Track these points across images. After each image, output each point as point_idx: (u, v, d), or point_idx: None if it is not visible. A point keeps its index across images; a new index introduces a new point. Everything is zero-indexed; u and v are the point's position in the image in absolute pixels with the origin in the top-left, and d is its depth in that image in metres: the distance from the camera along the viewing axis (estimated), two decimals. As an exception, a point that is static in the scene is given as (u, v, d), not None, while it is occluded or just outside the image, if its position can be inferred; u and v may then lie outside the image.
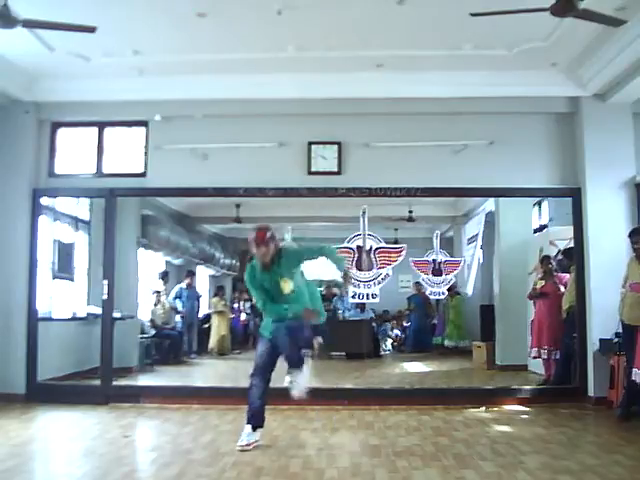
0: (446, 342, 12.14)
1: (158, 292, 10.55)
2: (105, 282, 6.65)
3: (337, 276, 4.83)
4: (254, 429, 4.60)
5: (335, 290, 11.88)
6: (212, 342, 11.82)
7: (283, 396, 6.26)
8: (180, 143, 6.73)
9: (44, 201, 7.09)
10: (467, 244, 11.69)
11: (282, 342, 4.58)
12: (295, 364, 4.61)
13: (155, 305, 10.41)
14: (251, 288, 4.74)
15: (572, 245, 6.82)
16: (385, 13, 5.14)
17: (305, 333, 4.72)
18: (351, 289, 4.66)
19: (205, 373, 9.92)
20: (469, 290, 10.63)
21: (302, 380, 4.62)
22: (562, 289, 7.24)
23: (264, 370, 4.66)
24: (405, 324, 14.03)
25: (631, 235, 5.53)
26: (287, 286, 4.60)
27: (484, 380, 8.26)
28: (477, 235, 10.61)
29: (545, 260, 7.61)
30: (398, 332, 13.96)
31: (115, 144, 6.93)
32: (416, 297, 12.89)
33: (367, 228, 8.95)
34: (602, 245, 6.18)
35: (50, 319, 7.66)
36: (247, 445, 4.50)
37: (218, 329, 11.88)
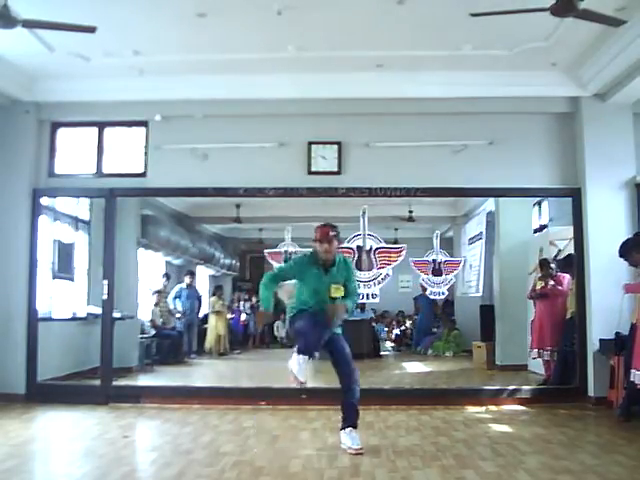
0: (429, 351, 12.23)
1: (159, 292, 10.55)
2: (105, 282, 6.65)
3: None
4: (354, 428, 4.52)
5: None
6: (208, 342, 11.80)
7: (283, 396, 6.29)
8: (180, 143, 6.73)
9: (44, 201, 7.09)
10: (468, 244, 11.68)
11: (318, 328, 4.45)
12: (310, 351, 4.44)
13: (155, 305, 10.41)
14: (293, 271, 4.63)
15: (568, 252, 6.82)
16: (385, 13, 5.14)
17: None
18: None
19: (205, 373, 9.92)
20: (480, 290, 10.61)
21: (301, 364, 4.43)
22: (560, 288, 7.23)
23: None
24: (406, 325, 14.07)
25: (621, 256, 5.55)
26: (338, 291, 4.52)
27: (484, 380, 8.27)
28: (480, 234, 10.60)
29: (544, 263, 7.58)
30: (398, 332, 13.98)
31: (115, 144, 6.93)
32: (423, 297, 12.89)
33: (367, 228, 8.94)
34: (602, 245, 6.17)
35: (50, 319, 7.66)
36: (360, 448, 4.40)
37: (215, 329, 11.87)
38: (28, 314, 6.57)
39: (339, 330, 4.68)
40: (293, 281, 4.79)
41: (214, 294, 12.43)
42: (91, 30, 4.54)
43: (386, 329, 14.17)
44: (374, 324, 12.68)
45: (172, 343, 10.35)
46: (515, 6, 4.37)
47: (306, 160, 6.71)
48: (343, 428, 4.55)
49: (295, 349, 4.42)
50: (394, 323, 14.47)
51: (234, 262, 15.49)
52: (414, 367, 10.19)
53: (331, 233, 4.56)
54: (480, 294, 10.64)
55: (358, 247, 8.92)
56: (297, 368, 4.31)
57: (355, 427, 4.53)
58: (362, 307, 11.86)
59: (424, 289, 12.48)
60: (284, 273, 4.75)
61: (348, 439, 4.46)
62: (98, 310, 7.13)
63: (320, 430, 5.23)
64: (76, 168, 6.92)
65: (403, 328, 14.32)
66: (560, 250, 8.33)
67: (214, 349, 11.72)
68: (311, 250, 4.72)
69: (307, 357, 4.36)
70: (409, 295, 13.86)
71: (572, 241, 6.83)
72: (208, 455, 4.37)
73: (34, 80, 6.48)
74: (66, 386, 6.93)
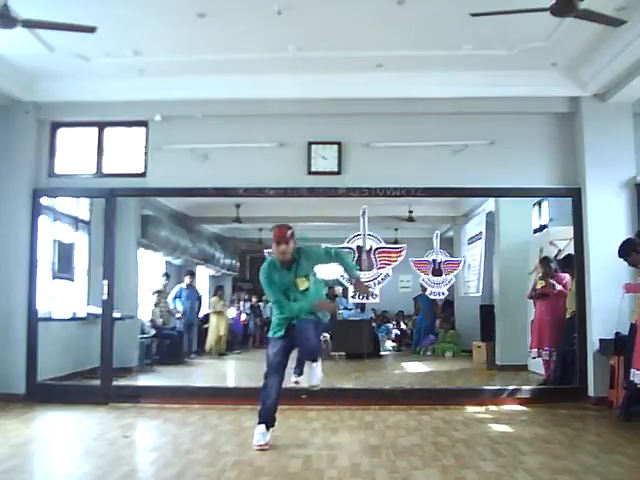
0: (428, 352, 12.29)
1: (159, 292, 10.55)
2: (105, 282, 6.65)
3: (349, 282, 4.87)
4: (267, 428, 4.61)
5: (337, 290, 11.91)
6: (209, 342, 11.80)
7: (283, 396, 6.27)
8: (180, 143, 6.73)
9: (44, 201, 7.09)
10: (468, 244, 11.69)
11: (302, 335, 4.60)
12: (312, 355, 4.70)
13: (155, 305, 10.41)
14: (267, 285, 4.72)
15: (568, 252, 6.81)
16: (385, 13, 5.14)
17: (318, 327, 4.80)
18: (365, 293, 4.74)
19: (205, 373, 9.92)
20: (479, 289, 10.63)
21: (318, 369, 4.73)
22: (559, 287, 7.23)
23: (279, 368, 4.67)
24: (406, 325, 14.08)
25: (621, 256, 5.56)
26: (303, 284, 4.66)
27: (484, 380, 8.26)
28: (480, 234, 10.61)
29: (544, 261, 7.59)
30: (398, 332, 13.98)
31: (115, 144, 6.93)
32: (422, 297, 12.90)
33: (367, 228, 8.95)
34: (602, 245, 6.16)
35: (50, 319, 7.65)
36: (265, 444, 4.49)
37: (216, 329, 11.86)
38: (28, 314, 6.56)
39: (307, 314, 4.73)
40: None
41: (215, 294, 12.43)
42: (91, 30, 4.54)
43: (391, 325, 14.17)
44: (374, 324, 12.68)
45: (172, 343, 10.35)
46: (515, 6, 4.37)
47: (306, 160, 6.71)
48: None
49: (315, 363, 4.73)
50: (394, 323, 14.47)
51: (234, 262, 15.48)
52: (414, 367, 10.19)
53: (288, 233, 4.58)
54: (480, 294, 10.65)
55: (358, 247, 8.93)
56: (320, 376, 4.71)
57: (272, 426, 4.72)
58: (362, 307, 11.85)
59: (424, 289, 12.51)
60: (273, 292, 4.71)
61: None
62: (98, 310, 7.13)
63: (320, 430, 5.23)
64: (76, 168, 6.92)
65: (403, 327, 14.32)
66: (560, 250, 8.33)
67: (214, 349, 11.72)
68: (269, 256, 4.80)
69: (314, 363, 4.61)
70: (409, 295, 13.87)
71: (572, 241, 6.83)
72: (208, 455, 4.37)
73: (34, 80, 6.48)
74: (66, 386, 6.93)
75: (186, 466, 4.07)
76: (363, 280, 4.68)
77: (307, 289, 4.69)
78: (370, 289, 4.58)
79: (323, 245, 5.17)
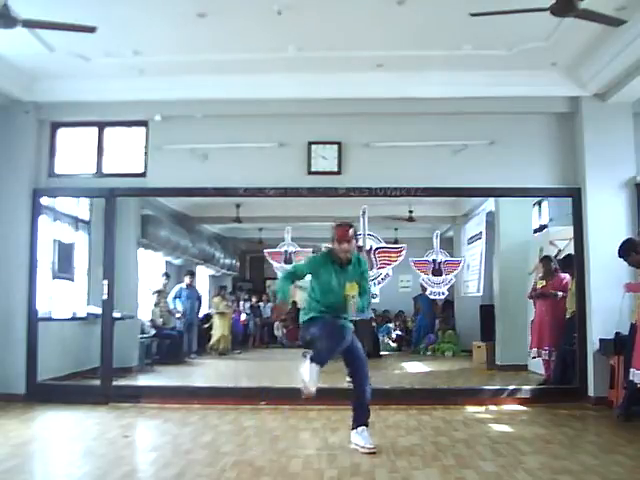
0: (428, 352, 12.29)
1: (159, 292, 10.55)
2: (105, 282, 6.65)
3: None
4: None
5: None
6: (213, 341, 11.79)
7: (283, 396, 6.29)
8: (180, 143, 6.73)
9: (44, 201, 7.09)
10: (467, 244, 11.68)
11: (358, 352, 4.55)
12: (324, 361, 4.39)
13: (155, 305, 10.41)
14: (309, 269, 4.62)
15: (568, 252, 6.81)
16: (385, 13, 5.14)
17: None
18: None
19: (205, 373, 9.93)
20: (480, 289, 10.63)
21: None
22: (560, 294, 7.23)
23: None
24: (400, 330, 14.07)
25: (620, 256, 5.56)
26: (354, 289, 4.52)
27: (484, 380, 8.27)
28: (480, 234, 10.60)
29: (545, 260, 7.60)
30: (399, 332, 13.97)
31: (115, 144, 6.93)
32: (422, 297, 12.89)
33: (367, 228, 8.94)
34: (602, 245, 6.16)
35: (50, 319, 7.65)
36: (373, 447, 4.39)
37: (220, 329, 11.87)
38: (28, 314, 6.56)
39: (350, 324, 4.68)
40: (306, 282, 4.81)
41: (217, 294, 12.41)
42: (91, 30, 4.54)
43: (391, 325, 14.16)
44: (374, 324, 12.66)
45: (172, 343, 10.36)
46: (515, 6, 4.37)
47: (306, 160, 6.71)
48: (354, 427, 4.55)
49: (308, 356, 4.37)
50: (396, 324, 14.45)
51: (234, 262, 15.49)
52: (414, 367, 10.19)
53: (350, 232, 4.55)
54: (480, 294, 10.64)
55: (358, 247, 8.89)
56: (308, 377, 4.26)
57: (367, 426, 4.54)
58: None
59: (424, 289, 12.48)
60: (300, 270, 4.72)
61: (360, 439, 4.46)
62: (98, 310, 7.13)
63: (320, 430, 5.23)
64: (76, 168, 6.92)
65: (402, 327, 14.30)
66: (560, 250, 8.33)
67: (219, 347, 11.70)
68: (327, 249, 4.71)
69: (319, 367, 4.31)
70: (409, 295, 13.85)
71: (572, 241, 6.83)
72: (208, 455, 4.37)
73: (34, 80, 6.48)
74: (66, 386, 6.93)
75: (186, 466, 4.07)
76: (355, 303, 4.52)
77: (354, 296, 4.53)
78: (279, 317, 4.46)
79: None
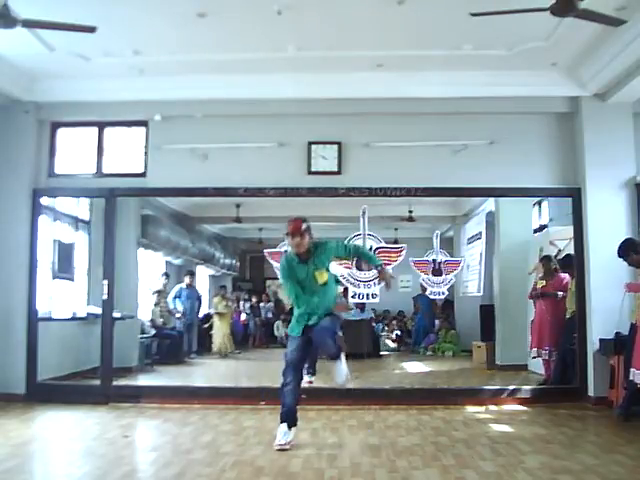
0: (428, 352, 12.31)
1: (159, 292, 10.55)
2: (105, 282, 6.65)
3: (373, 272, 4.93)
4: (289, 428, 4.61)
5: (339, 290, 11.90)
6: (216, 343, 11.76)
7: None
8: (180, 143, 6.73)
9: (44, 201, 7.08)
10: (467, 244, 11.68)
11: (321, 337, 4.66)
12: (335, 355, 4.71)
13: (155, 305, 10.40)
14: (285, 279, 4.78)
15: (568, 252, 6.81)
16: (385, 13, 5.14)
17: (336, 323, 4.86)
18: (388, 284, 4.83)
19: (205, 373, 9.93)
20: (480, 289, 10.63)
21: (344, 367, 4.75)
22: (561, 294, 7.23)
23: (297, 366, 4.70)
24: (400, 330, 14.07)
25: (620, 256, 5.56)
26: (322, 277, 4.69)
27: (484, 380, 8.26)
28: (480, 234, 10.60)
29: (545, 260, 7.60)
30: (399, 332, 13.97)
31: (115, 144, 6.93)
32: (422, 297, 12.89)
33: (367, 228, 8.94)
34: (602, 245, 6.16)
35: (50, 319, 7.66)
36: (285, 444, 4.49)
37: (221, 330, 11.85)
38: (28, 314, 6.56)
39: (323, 314, 4.77)
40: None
41: (217, 294, 12.40)
42: (91, 30, 4.54)
43: (386, 328, 14.17)
44: (374, 324, 12.66)
45: (172, 343, 10.36)
46: (515, 6, 4.37)
47: (306, 160, 6.71)
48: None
49: (342, 355, 4.75)
50: (394, 323, 14.45)
51: (234, 262, 15.48)
52: (414, 367, 10.19)
53: (303, 227, 4.63)
54: (481, 293, 10.65)
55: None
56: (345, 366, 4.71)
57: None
58: (362, 307, 11.84)
59: (423, 289, 12.49)
60: (291, 282, 4.76)
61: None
62: (98, 310, 7.13)
63: (320, 430, 5.23)
64: (76, 168, 6.92)
65: (402, 327, 14.31)
66: (560, 250, 8.33)
67: (222, 349, 11.67)
68: (287, 251, 4.82)
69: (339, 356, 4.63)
70: (409, 295, 13.85)
71: (572, 241, 6.83)
72: (208, 455, 4.37)
73: (34, 80, 6.48)
74: (66, 386, 6.93)
75: (186, 466, 4.07)
76: (387, 271, 4.73)
77: (325, 283, 4.72)
78: (393, 279, 4.65)
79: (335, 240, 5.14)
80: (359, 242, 8.87)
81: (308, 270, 4.70)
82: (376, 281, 8.61)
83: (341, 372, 4.77)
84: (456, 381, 8.54)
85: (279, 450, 4.44)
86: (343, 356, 4.81)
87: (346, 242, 5.16)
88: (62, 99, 6.63)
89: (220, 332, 11.81)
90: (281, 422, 4.62)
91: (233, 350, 11.92)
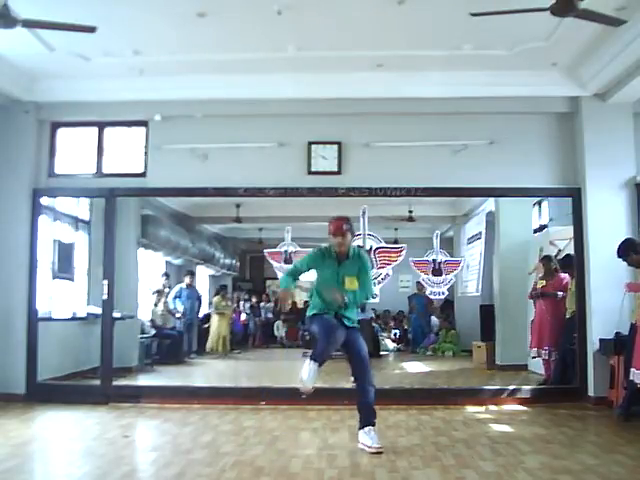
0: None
1: (159, 292, 10.55)
2: (105, 282, 6.64)
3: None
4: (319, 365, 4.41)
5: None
6: (211, 342, 11.77)
7: (283, 396, 6.28)
8: (180, 143, 6.73)
9: (44, 201, 7.09)
10: (467, 244, 11.68)
11: (357, 344, 4.62)
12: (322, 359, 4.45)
13: (155, 305, 10.40)
14: (309, 263, 4.71)
15: (568, 252, 6.81)
16: (385, 13, 5.14)
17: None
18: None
19: (205, 373, 9.92)
20: (479, 289, 10.64)
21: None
22: (560, 294, 7.23)
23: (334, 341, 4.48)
24: (395, 329, 14.08)
25: (620, 256, 5.56)
26: (352, 284, 4.61)
27: (484, 380, 8.26)
28: (479, 234, 10.60)
29: (545, 260, 7.60)
30: (398, 332, 13.97)
31: (115, 144, 6.93)
32: (417, 297, 12.90)
33: (367, 228, 8.95)
34: (602, 245, 6.15)
35: (50, 319, 7.66)
36: (380, 447, 4.40)
37: (218, 329, 11.84)
38: (28, 314, 6.56)
39: (355, 323, 4.76)
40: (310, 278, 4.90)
41: (217, 294, 12.41)
42: (91, 30, 4.54)
43: (376, 326, 14.17)
44: (374, 324, 12.67)
45: (172, 343, 10.36)
46: (515, 6, 4.37)
47: (306, 160, 6.71)
48: (361, 427, 4.55)
49: (308, 355, 4.47)
50: (391, 324, 14.44)
51: (234, 262, 15.49)
52: (414, 367, 10.19)
53: (345, 226, 4.59)
54: (479, 293, 10.65)
55: (358, 247, 8.89)
56: (307, 376, 4.32)
57: (373, 425, 4.54)
58: (362, 307, 11.83)
59: (419, 289, 12.51)
60: (301, 266, 4.80)
61: (367, 438, 4.46)
62: (98, 310, 7.13)
63: (320, 430, 5.23)
64: (76, 168, 6.91)
65: (397, 326, 14.30)
66: (560, 250, 8.33)
67: (218, 349, 11.67)
68: (327, 244, 4.74)
69: (318, 365, 4.35)
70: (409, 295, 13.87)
71: (572, 241, 6.83)
72: (208, 455, 4.37)
73: (34, 80, 6.48)
74: (66, 386, 6.93)
75: (186, 466, 4.07)
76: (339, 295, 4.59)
77: (353, 290, 4.62)
78: (341, 301, 4.56)
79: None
80: (359, 242, 8.89)
81: (338, 271, 4.62)
82: (376, 281, 8.64)
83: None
84: (456, 381, 8.54)
85: (376, 453, 4.33)
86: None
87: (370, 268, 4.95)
88: (62, 99, 6.63)
89: (216, 331, 11.80)
90: (373, 425, 4.50)
91: (228, 351, 11.89)
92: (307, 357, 4.44)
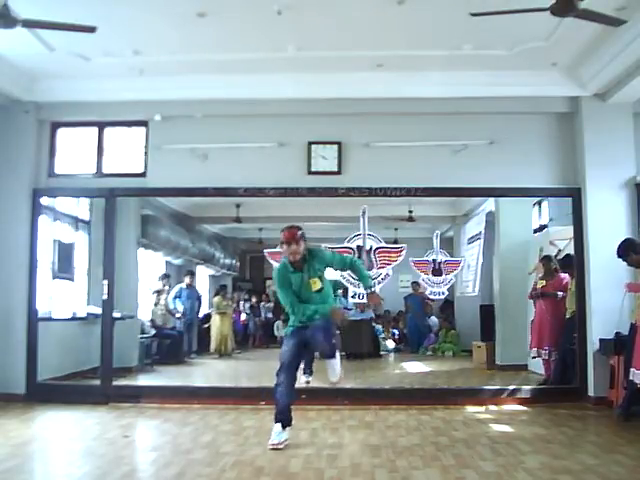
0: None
1: (159, 292, 10.55)
2: (105, 282, 6.64)
3: (363, 291, 5.05)
4: (284, 427, 4.62)
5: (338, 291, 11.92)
6: (215, 343, 11.76)
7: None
8: (180, 143, 6.73)
9: (44, 201, 7.08)
10: (467, 244, 11.69)
11: (316, 337, 4.68)
12: (329, 354, 4.83)
13: (155, 305, 10.40)
14: (280, 288, 4.79)
15: (568, 252, 6.81)
16: (385, 13, 5.13)
17: (333, 330, 4.96)
18: (375, 308, 5.05)
19: (205, 373, 9.92)
20: (476, 289, 10.65)
21: (337, 366, 4.87)
22: (561, 294, 7.23)
23: (291, 367, 4.71)
24: (394, 329, 14.07)
25: (619, 256, 5.57)
26: (316, 284, 4.71)
27: (484, 380, 8.26)
28: (479, 234, 10.61)
29: (545, 260, 7.60)
30: (397, 332, 13.96)
31: (115, 144, 6.93)
32: (413, 297, 12.91)
33: (367, 228, 8.95)
34: (602, 245, 6.15)
35: (50, 319, 7.66)
36: (279, 444, 4.50)
37: (220, 329, 11.84)
38: (28, 314, 6.56)
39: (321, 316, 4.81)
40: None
41: (217, 294, 12.40)
42: (91, 30, 4.54)
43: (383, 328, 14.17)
44: (374, 324, 12.67)
45: (172, 343, 10.35)
46: (515, 6, 4.37)
47: (306, 160, 6.71)
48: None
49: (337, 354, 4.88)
50: (389, 325, 14.43)
51: (234, 262, 15.49)
52: (414, 367, 10.18)
53: (298, 234, 4.67)
54: (475, 293, 10.66)
55: (358, 247, 8.93)
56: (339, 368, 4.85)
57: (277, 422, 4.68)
58: (362, 307, 11.84)
59: (414, 289, 12.52)
60: (286, 291, 4.77)
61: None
62: (98, 310, 7.13)
63: (320, 430, 5.23)
64: (76, 168, 6.91)
65: (395, 327, 14.29)
66: (560, 250, 8.33)
67: (221, 349, 11.66)
68: (281, 261, 4.89)
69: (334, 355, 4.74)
70: (408, 295, 13.88)
71: (572, 241, 6.83)
72: (208, 455, 4.37)
73: (34, 80, 6.48)
74: (66, 386, 6.93)
75: (186, 466, 4.07)
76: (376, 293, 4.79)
77: (320, 290, 4.75)
78: (382, 302, 4.83)
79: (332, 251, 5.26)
80: (359, 242, 8.90)
81: (302, 278, 4.71)
82: (376, 281, 8.63)
83: (335, 371, 4.85)
84: (456, 381, 8.54)
85: (272, 449, 4.44)
86: (338, 355, 4.88)
87: (347, 256, 5.21)
88: (62, 99, 6.63)
89: (218, 331, 11.80)
90: (275, 422, 4.63)
91: (233, 350, 11.90)
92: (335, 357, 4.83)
